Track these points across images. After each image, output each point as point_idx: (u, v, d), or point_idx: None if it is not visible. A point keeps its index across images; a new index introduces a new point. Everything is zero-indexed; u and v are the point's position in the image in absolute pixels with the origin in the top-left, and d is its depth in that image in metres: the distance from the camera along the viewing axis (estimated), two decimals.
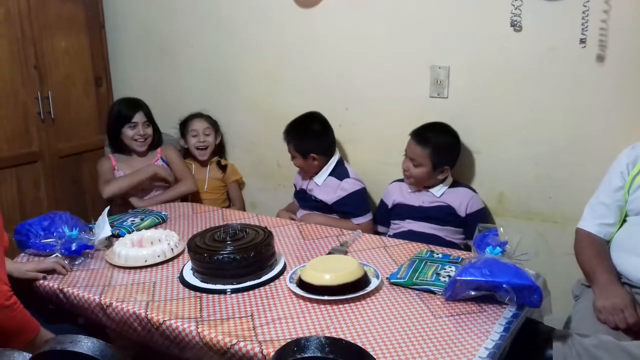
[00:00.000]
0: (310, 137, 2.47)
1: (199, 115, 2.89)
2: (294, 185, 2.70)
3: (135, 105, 2.67)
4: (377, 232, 2.43)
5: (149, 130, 2.68)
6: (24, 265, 1.83)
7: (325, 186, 2.49)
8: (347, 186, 2.47)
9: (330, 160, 2.50)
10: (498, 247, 1.62)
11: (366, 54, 2.53)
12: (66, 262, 1.87)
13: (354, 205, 2.47)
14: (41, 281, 1.81)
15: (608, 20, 1.99)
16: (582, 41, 2.02)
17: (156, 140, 2.75)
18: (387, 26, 2.45)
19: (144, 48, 3.18)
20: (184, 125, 2.89)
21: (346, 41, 2.56)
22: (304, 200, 2.58)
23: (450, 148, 2.29)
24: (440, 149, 2.24)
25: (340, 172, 2.51)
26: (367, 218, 2.47)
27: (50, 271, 1.83)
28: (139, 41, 3.19)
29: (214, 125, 2.90)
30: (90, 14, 3.11)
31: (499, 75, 2.26)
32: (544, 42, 2.14)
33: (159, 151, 2.76)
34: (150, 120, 2.69)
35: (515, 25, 2.17)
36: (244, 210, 2.94)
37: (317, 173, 2.50)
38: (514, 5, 2.14)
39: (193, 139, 2.85)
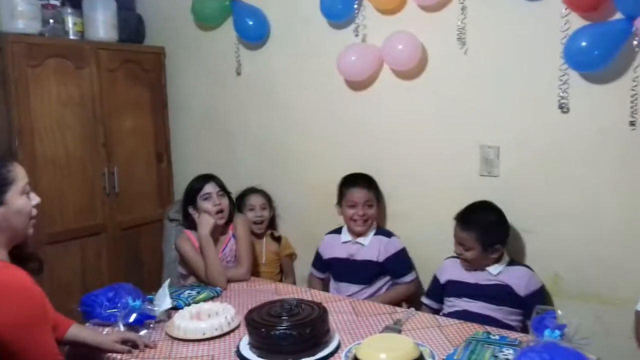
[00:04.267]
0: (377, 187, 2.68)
1: (255, 191, 3.01)
2: (319, 256, 2.75)
3: (205, 177, 2.59)
4: (425, 305, 2.44)
5: (225, 200, 2.56)
6: (105, 337, 1.87)
7: (373, 244, 2.58)
8: (397, 243, 2.59)
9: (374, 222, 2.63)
10: (557, 331, 1.61)
11: (415, 133, 2.63)
12: (149, 340, 1.89)
13: (405, 263, 2.59)
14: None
15: None
16: (632, 123, 2.06)
17: (233, 212, 2.64)
18: (436, 106, 2.55)
19: (202, 126, 3.38)
20: (241, 199, 2.99)
21: (395, 120, 2.67)
22: (341, 269, 2.63)
23: (496, 227, 2.29)
24: (486, 229, 2.24)
25: (383, 231, 2.65)
26: (414, 275, 2.58)
27: (132, 343, 1.86)
28: (198, 120, 3.39)
29: (269, 200, 3.02)
30: (156, 96, 3.36)
31: (548, 155, 2.30)
32: (592, 123, 2.18)
33: (231, 227, 2.63)
34: (224, 190, 2.59)
35: (563, 108, 2.23)
36: (295, 283, 2.99)
37: (368, 225, 2.61)
38: (561, 89, 2.21)
39: (250, 213, 2.94)
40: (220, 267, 2.46)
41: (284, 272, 3.02)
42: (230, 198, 2.63)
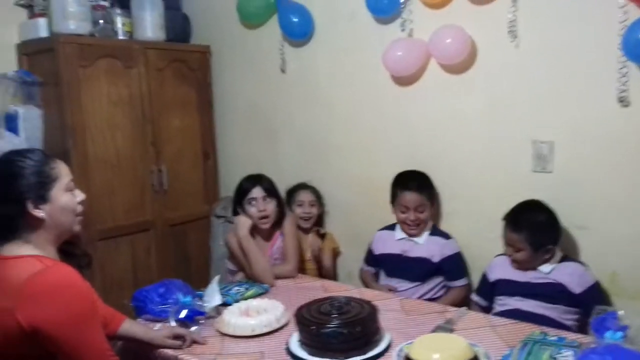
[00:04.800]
0: (432, 189, 2.63)
1: (305, 187, 3.01)
2: (371, 252, 2.72)
3: (254, 179, 2.57)
4: (474, 302, 2.40)
5: (270, 206, 2.53)
6: (158, 332, 1.89)
7: (429, 244, 2.55)
8: (453, 245, 2.56)
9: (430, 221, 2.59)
10: (619, 332, 1.54)
11: (464, 128, 2.58)
12: (200, 336, 1.91)
13: (460, 266, 2.56)
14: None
15: None
16: None
17: (279, 217, 2.59)
18: (486, 101, 2.50)
19: (247, 124, 3.40)
20: (291, 194, 3.00)
21: (443, 116, 2.63)
22: (393, 265, 2.60)
23: (547, 226, 2.22)
24: (536, 230, 2.18)
25: (441, 232, 2.60)
26: (467, 280, 2.55)
27: (183, 339, 1.88)
28: (243, 118, 3.41)
29: (318, 197, 3.01)
30: (202, 95, 3.39)
31: (606, 150, 2.22)
32: None
33: (282, 231, 2.62)
34: (271, 194, 2.56)
35: (623, 101, 2.14)
36: (335, 278, 2.99)
37: (422, 227, 2.57)
38: (620, 82, 2.12)
39: (298, 209, 2.95)
40: (265, 265, 2.46)
41: (323, 265, 2.93)
42: (279, 200, 2.61)
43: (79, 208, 1.58)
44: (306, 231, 2.97)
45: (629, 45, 2.03)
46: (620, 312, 1.61)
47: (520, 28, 2.35)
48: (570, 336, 1.79)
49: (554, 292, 2.17)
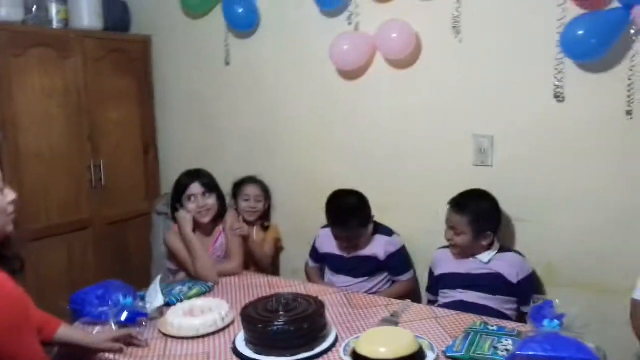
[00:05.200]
0: (365, 213, 2.51)
1: (253, 181, 2.95)
2: (315, 249, 2.71)
3: (192, 175, 2.53)
4: (429, 302, 2.44)
5: (210, 201, 2.50)
6: (96, 336, 1.82)
7: (372, 243, 2.54)
8: (397, 241, 2.56)
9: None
10: (556, 320, 1.60)
11: (408, 122, 2.60)
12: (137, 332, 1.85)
13: (404, 261, 2.57)
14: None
15: None
16: (629, 113, 2.05)
17: (220, 211, 2.56)
18: (430, 96, 2.53)
19: (190, 117, 3.32)
20: (238, 187, 2.94)
21: (388, 110, 2.64)
22: (337, 263, 2.60)
23: (490, 213, 2.30)
24: (479, 215, 2.25)
25: (384, 229, 2.58)
26: (412, 274, 2.56)
27: (125, 341, 1.81)
28: (186, 110, 3.33)
29: (265, 192, 2.96)
30: (142, 87, 3.28)
31: (543, 144, 2.29)
32: (588, 113, 2.18)
33: (222, 224, 2.59)
34: (211, 190, 2.51)
35: (559, 97, 2.21)
36: (276, 270, 2.98)
37: (359, 245, 2.55)
38: (556, 78, 2.19)
39: (244, 203, 2.90)
40: (209, 262, 2.42)
41: (262, 255, 2.84)
42: (220, 195, 2.58)
43: (10, 208, 1.48)
44: (251, 225, 2.92)
45: (566, 43, 2.09)
46: (557, 301, 1.67)
47: (463, 24, 2.39)
48: (510, 325, 1.85)
49: (493, 282, 2.23)
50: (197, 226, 2.50)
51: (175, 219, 2.54)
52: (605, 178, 2.18)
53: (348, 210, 2.49)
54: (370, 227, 2.53)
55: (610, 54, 2.06)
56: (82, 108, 2.96)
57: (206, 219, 2.50)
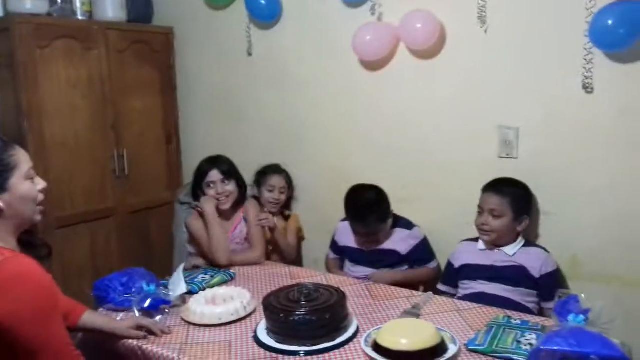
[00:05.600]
0: (384, 209, 2.50)
1: (278, 171, 2.92)
2: (335, 241, 2.70)
3: (212, 161, 2.55)
4: (442, 292, 2.40)
5: (229, 188, 2.52)
6: (120, 323, 1.84)
7: (393, 237, 2.52)
8: (418, 234, 2.54)
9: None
10: (581, 315, 1.57)
11: (432, 113, 2.57)
12: (164, 325, 1.87)
13: (427, 252, 2.55)
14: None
15: None
16: None
17: (240, 197, 2.59)
18: (455, 87, 2.50)
19: (213, 107, 3.33)
20: (262, 176, 2.92)
21: (412, 101, 2.62)
22: (358, 256, 2.58)
23: (527, 196, 2.29)
24: (518, 196, 2.25)
25: (403, 222, 2.56)
26: (436, 263, 2.55)
27: (147, 329, 1.83)
28: (208, 101, 3.34)
29: (289, 182, 2.95)
30: (164, 77, 3.30)
31: (570, 136, 2.25)
32: (616, 104, 2.13)
33: (242, 211, 2.61)
34: (230, 176, 2.53)
35: (587, 88, 2.17)
36: (299, 260, 2.98)
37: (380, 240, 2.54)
38: (585, 68, 2.15)
39: (268, 194, 2.88)
40: (224, 243, 2.47)
41: (285, 244, 2.82)
42: (240, 181, 2.60)
43: (40, 197, 1.52)
44: (272, 214, 2.91)
45: (595, 32, 2.05)
46: (582, 296, 1.64)
47: (489, 13, 2.35)
48: (534, 320, 1.82)
49: (516, 275, 2.21)
50: (217, 211, 2.53)
51: (197, 201, 2.57)
52: (631, 169, 2.14)
53: (366, 206, 2.47)
54: (390, 222, 2.51)
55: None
56: (106, 98, 2.99)
57: (226, 206, 2.53)
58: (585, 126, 2.20)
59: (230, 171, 2.55)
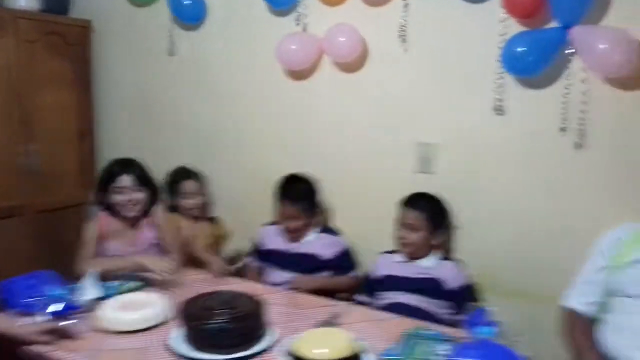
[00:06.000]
0: (315, 196, 2.56)
1: (188, 176, 2.84)
2: (257, 245, 2.68)
3: (124, 165, 2.38)
4: (359, 302, 2.45)
5: (139, 195, 2.37)
6: (26, 327, 1.74)
7: (317, 241, 2.55)
8: (343, 241, 2.59)
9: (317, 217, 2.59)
10: (490, 328, 1.66)
11: (353, 126, 2.63)
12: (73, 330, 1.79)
13: (350, 260, 2.59)
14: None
15: (586, 112, 2.13)
16: (562, 129, 2.16)
17: (149, 205, 2.44)
18: (375, 101, 2.57)
19: (131, 105, 3.23)
20: (174, 184, 2.82)
21: (333, 112, 2.67)
22: (280, 260, 2.58)
23: (443, 211, 2.38)
24: (434, 211, 2.34)
25: (330, 229, 2.62)
26: (357, 273, 2.58)
27: (55, 334, 1.75)
28: (126, 99, 3.24)
29: (202, 184, 2.87)
30: (79, 71, 3.16)
31: (483, 155, 2.37)
32: (525, 126, 2.27)
33: (152, 220, 2.46)
34: (142, 183, 2.38)
35: (498, 110, 2.30)
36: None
37: (304, 232, 2.55)
38: (497, 92, 2.28)
39: (183, 201, 2.79)
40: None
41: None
42: (153, 188, 2.46)
43: None
44: (197, 220, 2.84)
45: (506, 58, 2.18)
46: (492, 309, 1.73)
47: (409, 34, 2.44)
48: (447, 331, 1.90)
49: (431, 287, 2.28)
50: (120, 218, 2.40)
51: (101, 203, 2.39)
52: (541, 190, 2.27)
53: (300, 183, 2.55)
54: (318, 219, 2.56)
55: (548, 71, 2.15)
56: (15, 91, 2.82)
57: (132, 213, 2.39)
58: (497, 146, 2.33)
59: (142, 178, 2.39)
